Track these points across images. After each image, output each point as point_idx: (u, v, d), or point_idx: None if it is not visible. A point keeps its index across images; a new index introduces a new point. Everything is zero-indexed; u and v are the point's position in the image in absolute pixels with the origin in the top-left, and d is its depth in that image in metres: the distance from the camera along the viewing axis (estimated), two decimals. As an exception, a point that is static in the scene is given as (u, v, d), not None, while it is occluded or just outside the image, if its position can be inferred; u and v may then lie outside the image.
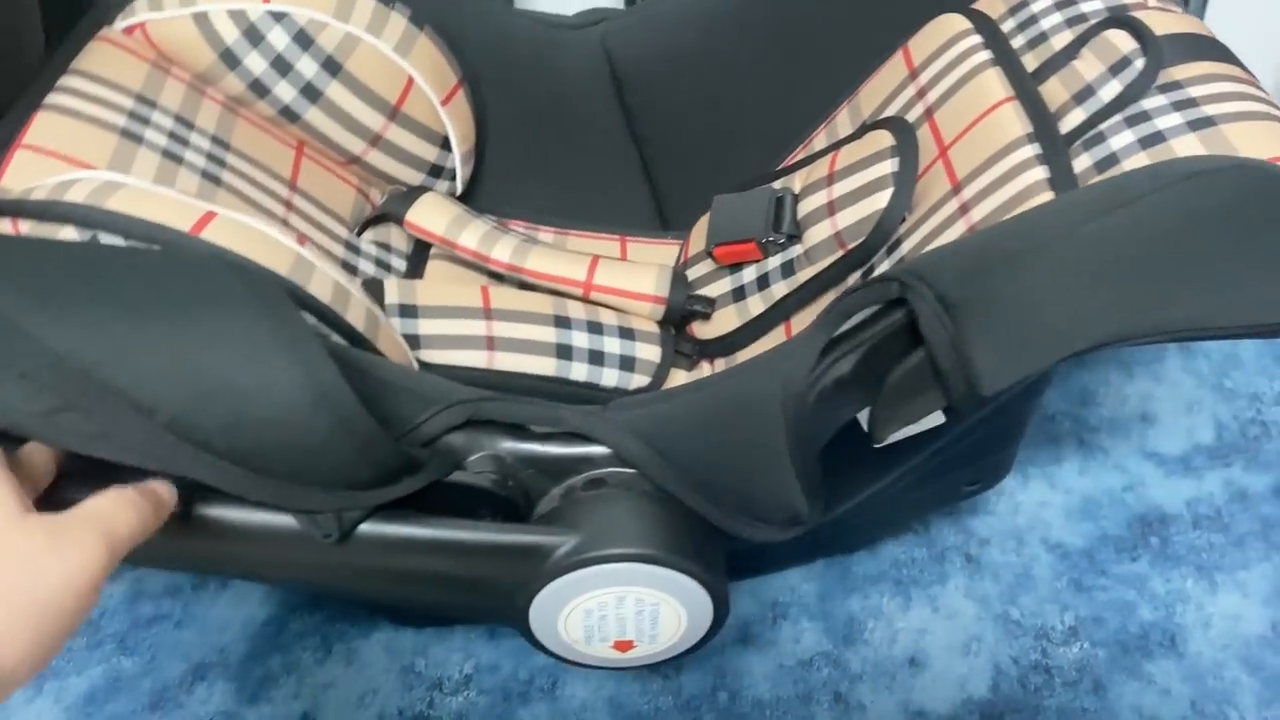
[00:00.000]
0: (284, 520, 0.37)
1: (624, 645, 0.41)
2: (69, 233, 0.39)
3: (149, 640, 0.59)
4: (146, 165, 0.45)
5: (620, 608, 0.39)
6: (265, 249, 0.40)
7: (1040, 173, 0.41)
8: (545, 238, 0.60)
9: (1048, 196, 0.40)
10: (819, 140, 0.56)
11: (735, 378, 0.39)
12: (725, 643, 0.52)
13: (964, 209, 0.43)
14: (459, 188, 0.58)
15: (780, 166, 0.57)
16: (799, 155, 0.57)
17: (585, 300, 0.54)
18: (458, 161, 0.57)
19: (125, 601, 0.60)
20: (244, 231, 0.40)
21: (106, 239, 0.39)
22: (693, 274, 0.57)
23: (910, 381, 0.35)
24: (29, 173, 0.42)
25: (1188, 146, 0.39)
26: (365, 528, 0.37)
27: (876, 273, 0.47)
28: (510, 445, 0.39)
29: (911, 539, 0.53)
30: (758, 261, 0.54)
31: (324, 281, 0.41)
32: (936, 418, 0.39)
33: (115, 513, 0.33)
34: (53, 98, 0.45)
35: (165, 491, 0.35)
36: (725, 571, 0.39)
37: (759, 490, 0.37)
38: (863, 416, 0.38)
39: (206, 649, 0.58)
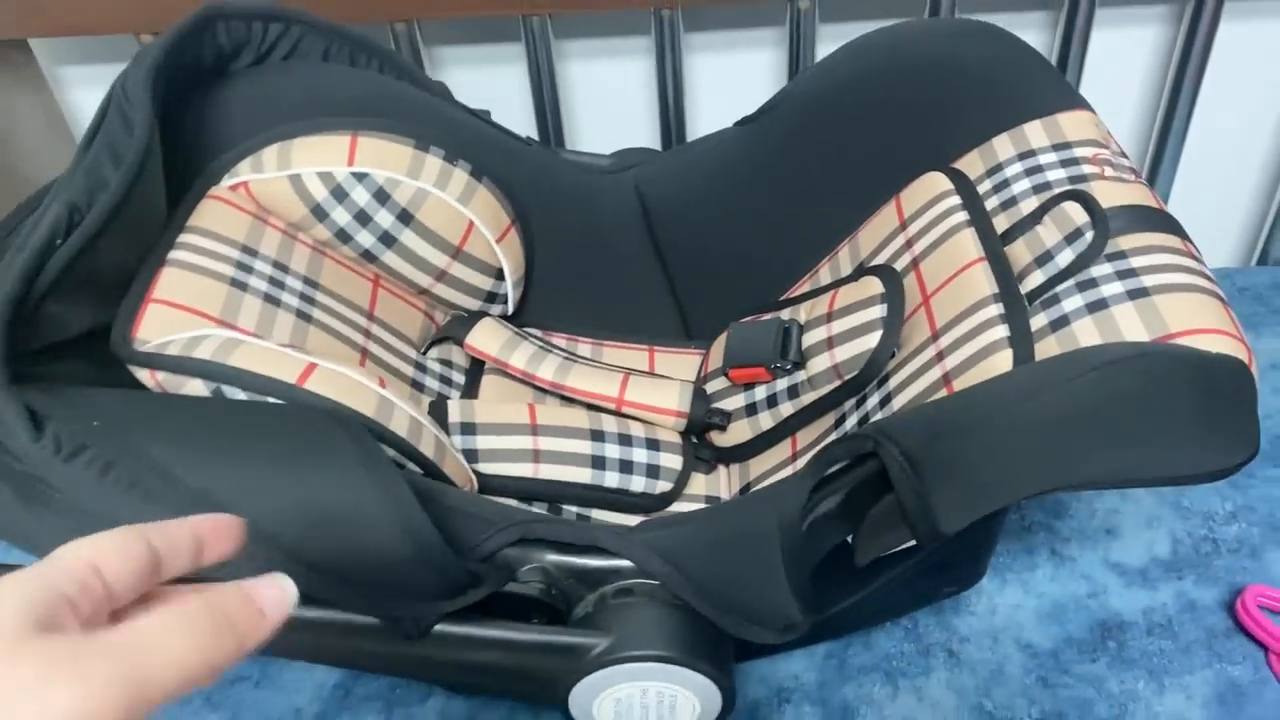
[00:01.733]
0: (370, 621, 0.44)
1: None
2: (197, 385, 0.47)
3: (232, 698, 0.66)
4: (251, 309, 0.53)
5: (644, 698, 0.46)
6: (355, 394, 0.48)
7: (1002, 331, 0.48)
8: (584, 349, 0.67)
9: (1006, 354, 0.47)
10: (823, 272, 0.63)
11: (740, 510, 0.46)
12: (738, 720, 0.58)
13: (939, 356, 0.51)
14: (510, 309, 0.66)
15: (787, 295, 0.65)
16: (805, 285, 0.64)
17: (617, 414, 0.62)
18: (509, 288, 0.65)
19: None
20: (339, 380, 0.48)
21: (229, 391, 0.46)
22: (711, 388, 0.64)
23: (884, 519, 0.42)
24: (159, 325, 0.49)
25: (1125, 314, 0.45)
26: (437, 628, 0.45)
27: (866, 405, 0.54)
28: (554, 559, 0.46)
29: (901, 634, 0.59)
30: (768, 382, 0.61)
31: (402, 418, 0.49)
32: (905, 540, 0.46)
33: (159, 642, 0.25)
34: (174, 254, 0.53)
35: (275, 594, 0.31)
36: (733, 668, 0.46)
37: (760, 602, 0.44)
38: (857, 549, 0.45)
39: (282, 708, 0.65)
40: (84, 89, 0.88)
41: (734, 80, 0.82)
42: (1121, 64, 0.79)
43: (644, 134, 0.85)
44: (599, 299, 0.68)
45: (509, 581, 0.45)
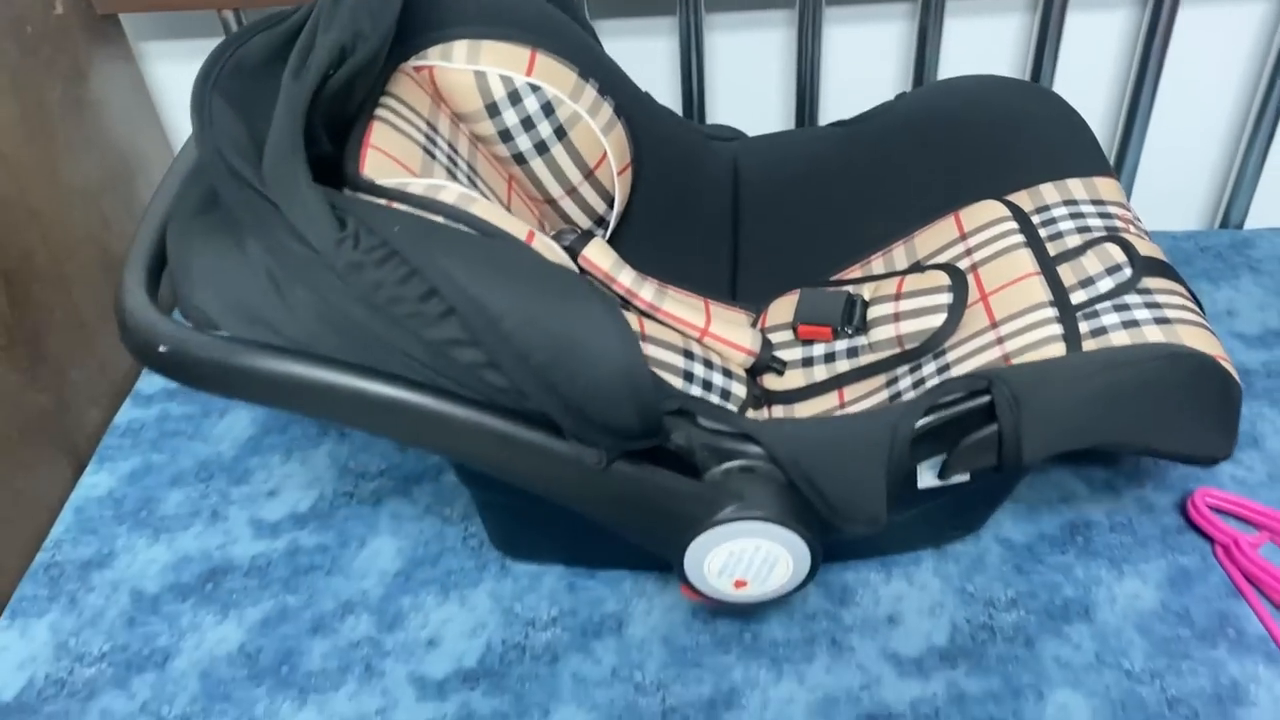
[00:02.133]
0: (566, 448, 0.54)
1: (740, 583, 0.59)
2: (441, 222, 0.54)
3: (306, 584, 0.74)
4: (439, 175, 0.60)
5: (754, 554, 0.57)
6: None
7: (1056, 329, 0.61)
8: (649, 288, 0.78)
9: (1060, 345, 0.60)
10: (877, 263, 0.75)
11: (859, 420, 0.58)
12: (749, 608, 0.70)
13: (999, 340, 0.63)
14: (605, 236, 0.76)
15: (838, 277, 0.76)
16: (856, 272, 0.76)
17: (700, 341, 0.73)
18: (612, 217, 0.74)
19: (285, 556, 0.75)
20: (550, 249, 0.56)
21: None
22: (772, 338, 0.76)
23: (979, 445, 0.55)
24: (376, 168, 0.57)
25: (1153, 333, 0.59)
26: (617, 464, 0.55)
27: (921, 371, 0.67)
28: (701, 432, 0.56)
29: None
30: (827, 341, 0.73)
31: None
32: (963, 475, 0.59)
33: None
34: (379, 112, 0.60)
35: None
36: (824, 545, 0.58)
37: (857, 497, 0.56)
38: (924, 474, 0.58)
39: (351, 591, 0.73)
40: (167, 62, 0.91)
41: (750, 55, 0.93)
42: (1093, 46, 0.91)
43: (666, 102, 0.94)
44: (671, 248, 0.78)
45: (669, 439, 0.55)
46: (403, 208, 0.54)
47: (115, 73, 0.91)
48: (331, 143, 0.56)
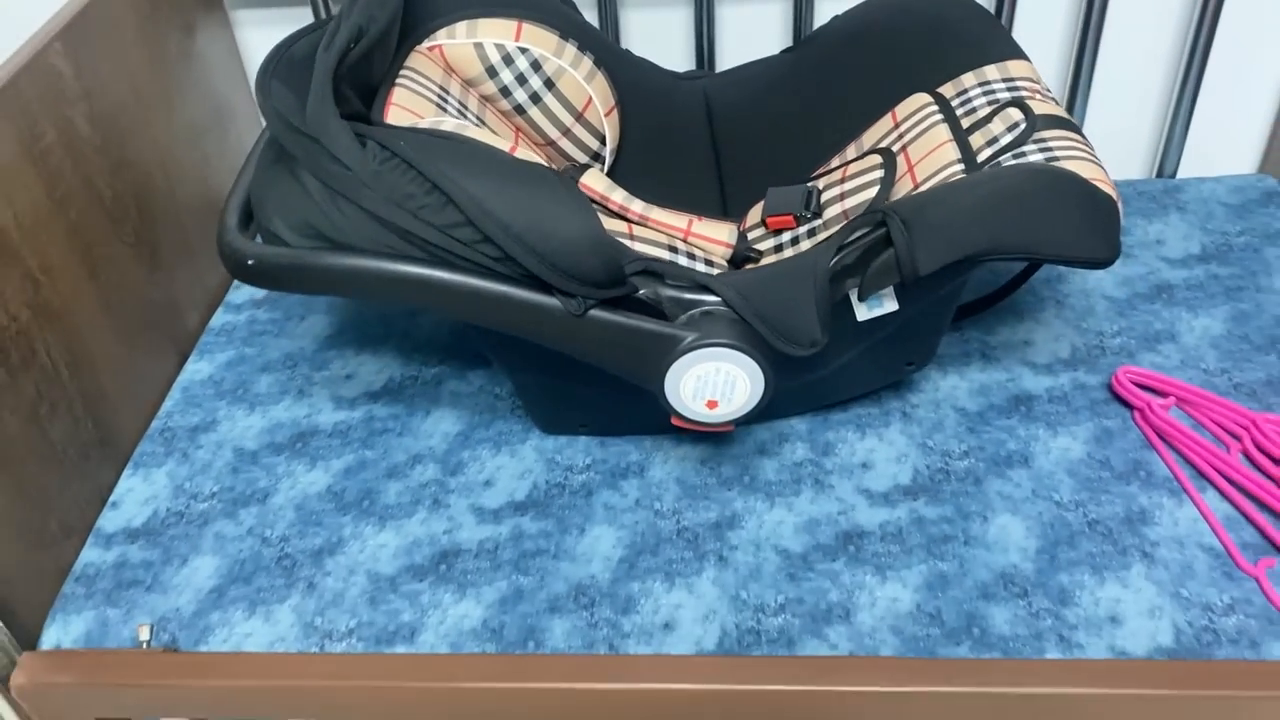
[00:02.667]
0: (551, 300, 0.70)
1: (712, 404, 0.74)
2: None
3: (380, 442, 0.89)
4: (451, 125, 0.77)
5: (716, 376, 0.72)
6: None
7: (962, 172, 0.78)
8: (638, 206, 0.94)
9: None
10: (834, 162, 0.92)
11: (790, 262, 0.73)
12: (749, 452, 0.85)
13: None
14: (604, 170, 0.91)
15: (810, 175, 0.93)
16: (820, 172, 0.92)
17: (685, 240, 0.88)
18: (608, 153, 0.90)
19: (363, 422, 0.90)
20: (531, 158, 0.72)
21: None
22: (750, 235, 0.92)
23: (883, 267, 0.70)
24: (399, 119, 0.74)
25: (1037, 161, 0.76)
26: (593, 311, 0.70)
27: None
28: (664, 286, 0.72)
29: (868, 399, 0.86)
30: (792, 229, 0.89)
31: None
32: (892, 304, 0.75)
33: None
34: (399, 80, 0.77)
35: None
36: (775, 370, 0.72)
37: (795, 323, 0.70)
38: (859, 307, 0.74)
39: (419, 448, 0.88)
40: (254, 29, 1.08)
41: (751, 22, 1.10)
42: (1044, 12, 1.07)
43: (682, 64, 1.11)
44: (662, 175, 0.94)
45: (637, 291, 0.71)
46: (405, 132, 0.71)
47: (215, 33, 1.07)
48: (364, 105, 0.74)
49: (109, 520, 0.84)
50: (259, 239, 0.73)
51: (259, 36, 1.12)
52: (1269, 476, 0.79)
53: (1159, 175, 1.14)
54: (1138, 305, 0.96)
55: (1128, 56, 1.08)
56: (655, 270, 0.73)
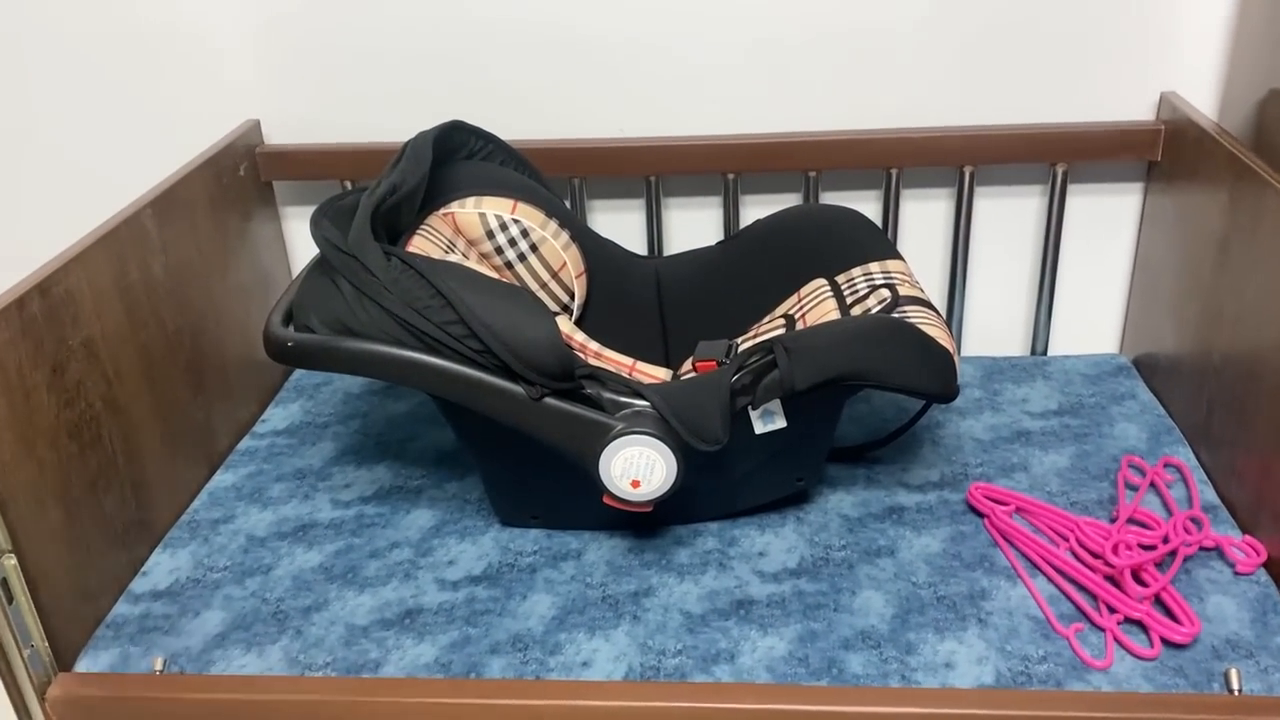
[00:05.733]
0: (516, 387, 0.90)
1: (635, 483, 0.93)
2: None
3: (367, 532, 1.08)
4: (454, 259, 1.01)
5: (639, 459, 0.91)
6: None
7: None
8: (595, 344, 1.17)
9: None
10: (752, 330, 1.15)
11: (704, 378, 0.95)
12: (669, 543, 1.03)
13: None
14: (573, 319, 1.16)
15: (734, 338, 1.16)
16: (742, 337, 1.16)
17: (630, 373, 1.11)
18: (576, 307, 1.15)
19: (354, 518, 1.10)
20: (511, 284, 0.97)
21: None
22: (683, 377, 1.14)
23: (771, 383, 0.92)
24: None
25: None
26: (548, 399, 0.91)
27: None
28: (606, 389, 0.94)
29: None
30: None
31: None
32: (781, 421, 0.96)
33: None
34: (418, 232, 1.02)
35: None
36: (686, 461, 0.93)
37: (702, 423, 0.91)
38: (756, 422, 0.95)
39: (398, 536, 1.07)
40: (299, 220, 1.38)
41: (692, 222, 1.37)
42: (924, 224, 1.32)
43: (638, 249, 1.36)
44: (617, 331, 1.18)
45: (584, 388, 0.93)
46: (421, 257, 0.96)
47: (267, 219, 1.35)
48: (390, 244, 1.00)
49: (139, 584, 1.03)
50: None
51: (301, 226, 1.40)
52: (1087, 566, 0.97)
53: (1033, 352, 1.37)
54: (1000, 445, 1.17)
55: (996, 258, 1.34)
56: (599, 377, 0.95)
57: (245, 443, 1.25)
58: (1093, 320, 1.36)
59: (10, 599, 0.87)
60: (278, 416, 1.30)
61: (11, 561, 0.86)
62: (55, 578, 0.92)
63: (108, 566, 1.00)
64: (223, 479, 1.19)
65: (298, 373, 1.39)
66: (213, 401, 1.21)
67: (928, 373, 0.95)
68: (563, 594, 0.98)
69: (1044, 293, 1.32)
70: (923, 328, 0.97)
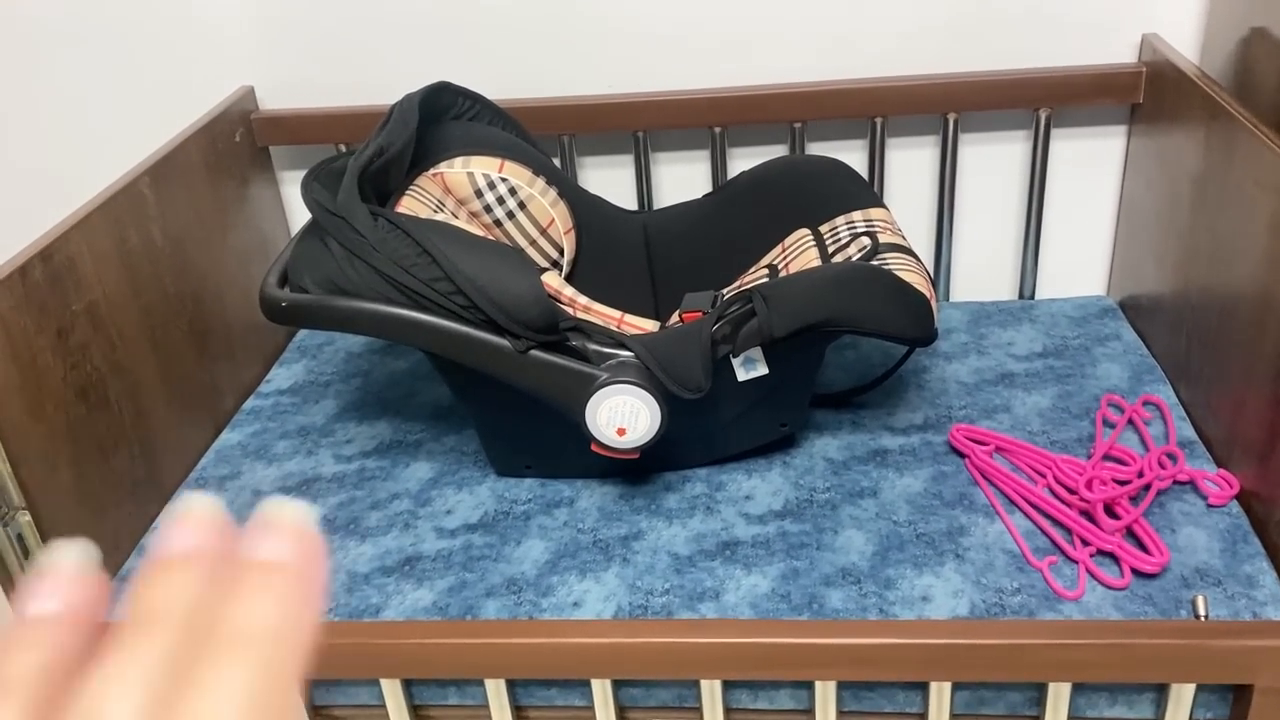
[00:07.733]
0: (502, 341, 0.93)
1: (621, 431, 0.97)
2: None
3: (369, 485, 1.12)
4: (441, 219, 1.04)
5: (624, 408, 0.94)
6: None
7: None
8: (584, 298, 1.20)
9: None
10: (738, 281, 1.18)
11: (686, 327, 0.98)
12: (658, 489, 1.07)
13: None
14: (562, 275, 1.18)
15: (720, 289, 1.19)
16: (728, 289, 1.19)
17: (618, 325, 1.14)
18: (565, 263, 1.17)
19: (356, 471, 1.14)
20: (505, 239, 0.99)
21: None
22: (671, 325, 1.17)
23: (750, 332, 0.95)
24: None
25: None
26: (534, 352, 0.94)
27: None
28: (591, 340, 0.96)
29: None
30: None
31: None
32: (763, 368, 0.99)
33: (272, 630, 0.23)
34: (407, 193, 1.05)
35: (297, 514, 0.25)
36: (670, 408, 0.96)
37: (685, 372, 0.94)
38: (738, 369, 0.98)
39: (398, 489, 1.11)
40: (295, 185, 1.40)
41: (681, 176, 1.39)
42: (910, 171, 1.34)
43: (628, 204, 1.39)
44: (606, 286, 1.21)
45: (569, 340, 0.96)
46: (406, 215, 0.98)
47: (264, 184, 1.38)
48: (379, 205, 1.02)
49: (150, 540, 1.07)
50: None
51: (298, 190, 1.42)
52: (1063, 501, 0.99)
53: (1020, 296, 1.39)
54: (983, 387, 1.19)
55: (982, 204, 1.36)
56: (584, 329, 0.97)
57: (251, 402, 1.29)
58: (1080, 263, 1.38)
59: (27, 554, 0.91)
60: (281, 376, 1.34)
61: (26, 518, 0.90)
62: (68, 534, 0.96)
63: (120, 522, 1.04)
64: (229, 437, 1.23)
65: (301, 333, 1.43)
66: (218, 363, 1.24)
67: (904, 317, 0.97)
68: (555, 539, 1.02)
69: (1030, 237, 1.34)
70: (900, 273, 0.99)
